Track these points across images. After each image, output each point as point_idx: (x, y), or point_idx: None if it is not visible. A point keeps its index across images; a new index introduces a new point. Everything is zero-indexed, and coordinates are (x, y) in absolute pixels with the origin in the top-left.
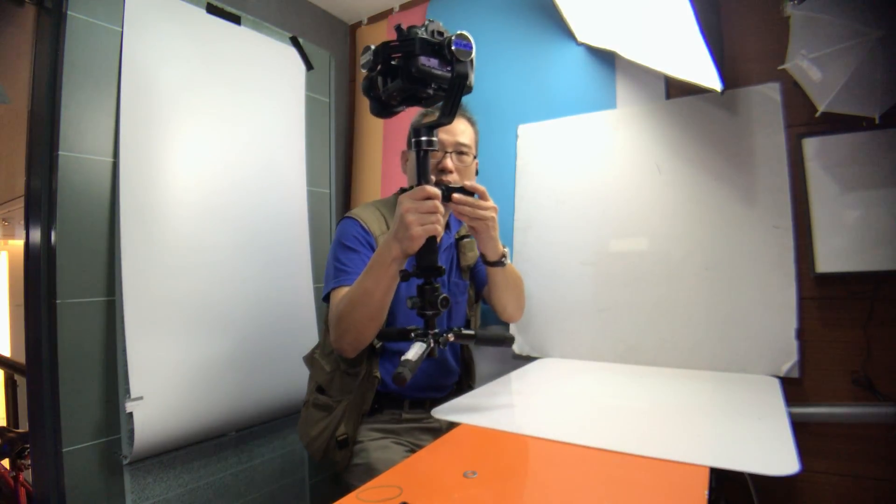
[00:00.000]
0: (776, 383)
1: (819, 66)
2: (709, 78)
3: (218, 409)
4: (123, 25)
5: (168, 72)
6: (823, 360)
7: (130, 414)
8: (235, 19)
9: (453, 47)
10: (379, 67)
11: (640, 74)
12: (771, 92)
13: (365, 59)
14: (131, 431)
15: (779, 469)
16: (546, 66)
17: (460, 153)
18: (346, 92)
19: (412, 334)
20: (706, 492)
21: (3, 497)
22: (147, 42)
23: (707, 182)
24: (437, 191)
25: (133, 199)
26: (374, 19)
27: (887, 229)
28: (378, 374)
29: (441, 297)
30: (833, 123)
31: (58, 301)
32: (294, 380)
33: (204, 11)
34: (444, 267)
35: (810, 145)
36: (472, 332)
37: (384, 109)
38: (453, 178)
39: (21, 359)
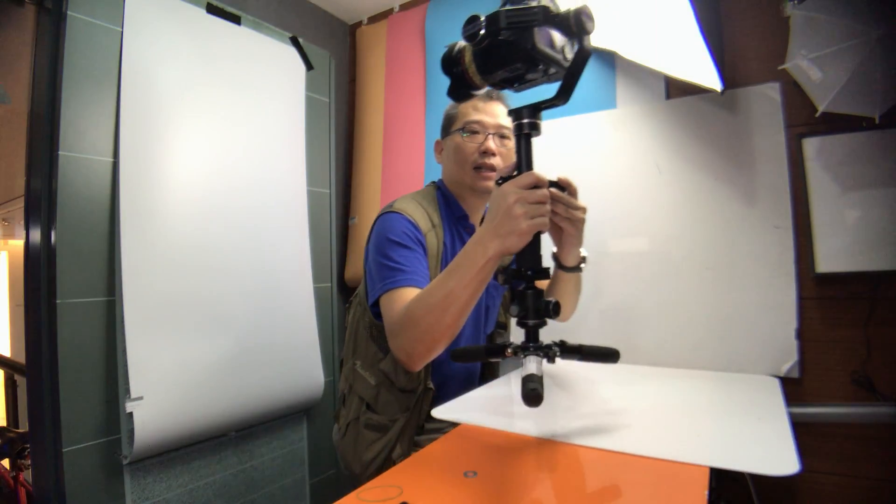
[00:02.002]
0: (776, 383)
1: (819, 66)
2: (709, 78)
3: (218, 409)
4: (123, 25)
5: (168, 72)
6: (823, 360)
7: (130, 414)
8: (235, 19)
9: (582, 18)
10: (487, 41)
11: (640, 74)
12: (771, 92)
13: (472, 28)
14: (131, 431)
15: (779, 469)
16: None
17: (502, 136)
18: (346, 92)
19: (508, 350)
20: (706, 492)
21: (3, 497)
22: (147, 42)
23: (707, 182)
24: (545, 178)
25: (133, 199)
26: (374, 19)
27: (887, 229)
28: (432, 386)
29: (553, 303)
30: (833, 123)
31: (58, 301)
32: (294, 380)
33: (204, 11)
34: (550, 268)
35: (810, 145)
36: (577, 345)
37: (464, 90)
38: (496, 162)
39: (21, 359)
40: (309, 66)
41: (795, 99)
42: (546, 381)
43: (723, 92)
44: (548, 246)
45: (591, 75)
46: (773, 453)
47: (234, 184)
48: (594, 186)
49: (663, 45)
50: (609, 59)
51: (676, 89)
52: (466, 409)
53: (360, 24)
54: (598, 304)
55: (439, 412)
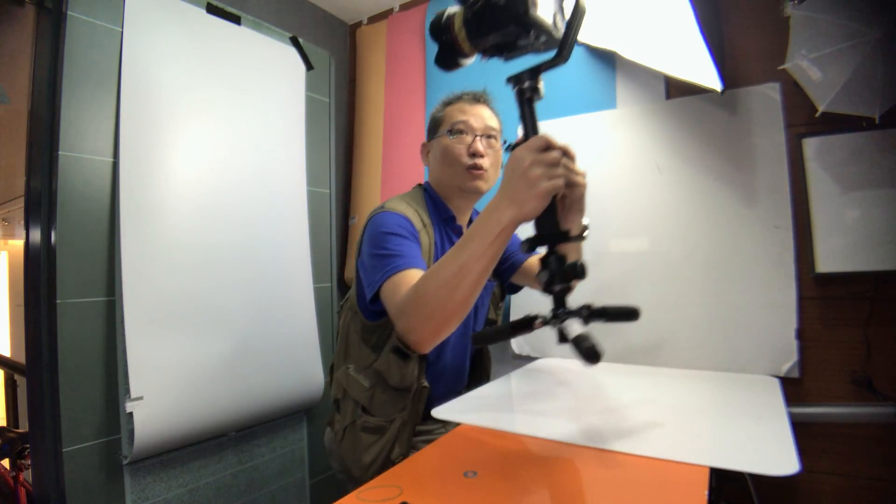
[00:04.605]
0: (776, 383)
1: (819, 66)
2: (709, 78)
3: (218, 409)
4: (123, 25)
5: (168, 72)
6: (823, 360)
7: (130, 414)
8: (235, 19)
9: None
10: (480, 3)
11: (640, 74)
12: (771, 92)
13: None
14: (131, 431)
15: (779, 469)
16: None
17: (489, 136)
18: (346, 92)
19: (536, 322)
20: (706, 492)
21: (3, 497)
22: (147, 42)
23: (707, 182)
24: (556, 141)
25: (133, 199)
26: (374, 19)
27: (887, 229)
28: (427, 385)
29: (578, 264)
30: (833, 123)
31: (58, 301)
32: (294, 380)
33: (204, 11)
34: (569, 230)
35: (810, 145)
36: (602, 308)
37: (453, 58)
38: (484, 163)
39: (21, 359)
40: (309, 66)
41: (795, 99)
42: (545, 381)
43: (723, 92)
44: None
45: (591, 75)
46: (773, 453)
47: (234, 184)
48: (594, 186)
49: (663, 45)
50: (609, 59)
51: (676, 89)
52: (466, 409)
53: (360, 24)
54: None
55: (439, 412)
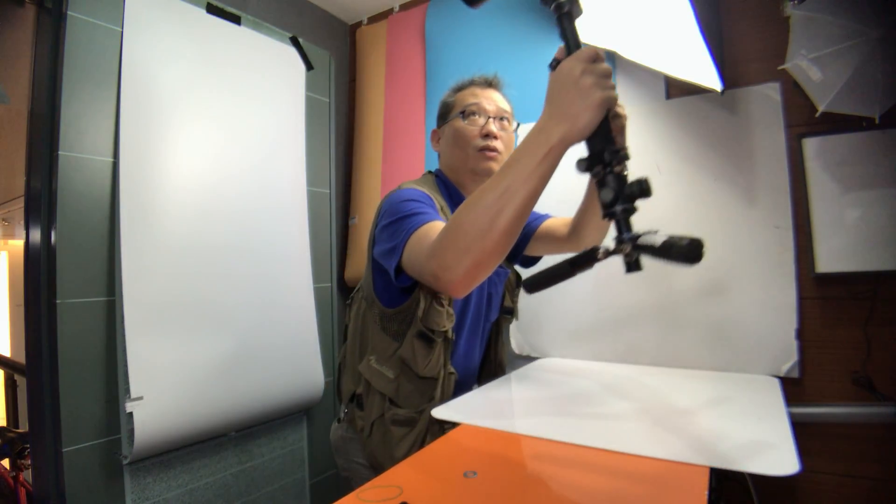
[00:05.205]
0: (776, 383)
1: (819, 66)
2: (709, 78)
3: (218, 409)
4: (123, 25)
5: (168, 72)
6: (823, 360)
7: (130, 414)
8: (235, 19)
9: None
10: None
11: (640, 74)
12: (771, 92)
13: None
14: (131, 431)
15: (779, 469)
16: (545, 67)
17: (502, 119)
18: (346, 92)
19: (599, 253)
20: (706, 492)
21: (3, 497)
22: (147, 42)
23: (707, 182)
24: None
25: (133, 199)
26: (374, 19)
27: (887, 229)
28: (454, 370)
29: (642, 180)
30: (833, 123)
31: (58, 301)
32: (294, 380)
33: (204, 11)
34: (628, 147)
35: (810, 145)
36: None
37: None
38: (498, 145)
39: (21, 359)
40: (309, 67)
41: (795, 99)
42: (546, 381)
43: (723, 92)
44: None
45: None
46: (773, 453)
47: (234, 184)
48: None
49: (663, 45)
50: (609, 59)
51: (676, 89)
52: (466, 409)
53: (360, 24)
54: (597, 304)
55: (439, 412)
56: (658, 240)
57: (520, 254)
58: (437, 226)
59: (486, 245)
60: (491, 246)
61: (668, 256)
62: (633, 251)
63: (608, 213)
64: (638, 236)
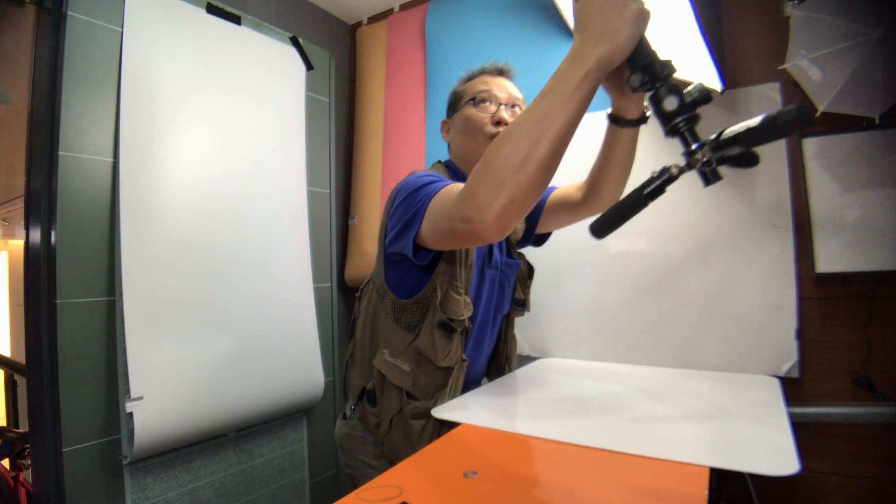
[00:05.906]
0: (776, 383)
1: (819, 66)
2: (709, 78)
3: (218, 409)
4: (123, 25)
5: (168, 72)
6: (823, 360)
7: (130, 414)
8: (235, 19)
9: None
10: None
11: None
12: (771, 92)
13: None
14: (131, 431)
15: (779, 469)
16: (546, 66)
17: (514, 106)
18: (346, 92)
19: (673, 169)
20: (706, 492)
21: (3, 497)
22: (147, 42)
23: None
24: None
25: (133, 199)
26: (374, 19)
27: (887, 229)
28: (466, 358)
29: (698, 84)
30: (833, 123)
31: (58, 301)
32: (294, 380)
33: (204, 11)
34: (671, 61)
35: (810, 145)
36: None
37: None
38: None
39: (21, 359)
40: (309, 67)
41: (795, 99)
42: (546, 381)
43: (723, 92)
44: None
45: None
46: (773, 453)
47: (234, 184)
48: None
49: (663, 45)
50: None
51: None
52: (466, 409)
53: (360, 24)
54: (597, 304)
55: (439, 412)
56: (751, 123)
57: (532, 233)
58: (459, 186)
59: (522, 180)
60: (527, 181)
61: (774, 131)
62: (714, 156)
63: (671, 128)
64: (718, 135)
